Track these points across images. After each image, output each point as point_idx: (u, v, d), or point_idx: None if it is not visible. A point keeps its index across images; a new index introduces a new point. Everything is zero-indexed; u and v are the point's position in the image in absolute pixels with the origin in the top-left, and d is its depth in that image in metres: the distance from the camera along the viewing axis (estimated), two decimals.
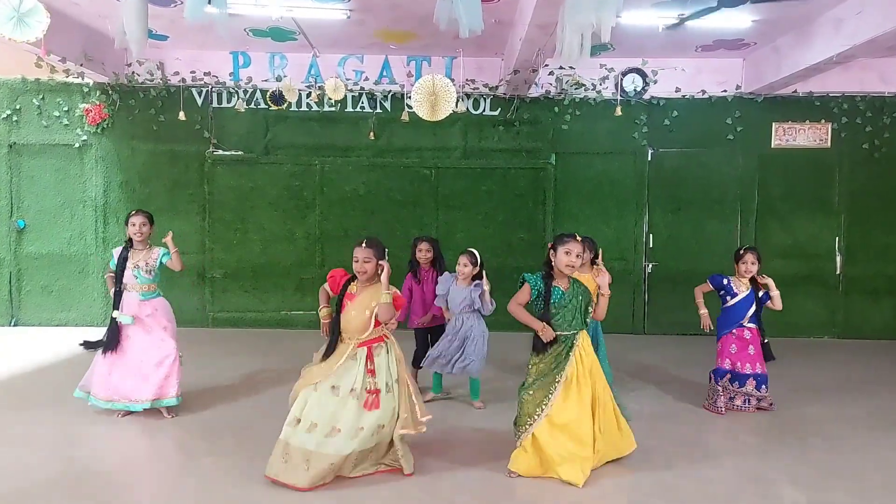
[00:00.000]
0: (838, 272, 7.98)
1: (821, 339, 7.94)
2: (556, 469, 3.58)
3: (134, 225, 4.58)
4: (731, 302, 4.90)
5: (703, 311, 4.98)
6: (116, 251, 4.64)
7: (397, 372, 3.67)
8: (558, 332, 3.60)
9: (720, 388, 4.89)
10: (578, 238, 3.64)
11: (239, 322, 8.08)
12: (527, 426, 3.62)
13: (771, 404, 4.96)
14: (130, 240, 4.63)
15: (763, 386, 4.87)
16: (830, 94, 7.83)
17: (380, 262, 3.64)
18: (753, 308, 4.86)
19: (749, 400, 4.89)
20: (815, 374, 6.21)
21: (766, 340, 4.92)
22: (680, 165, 8.04)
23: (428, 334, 5.26)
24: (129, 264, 4.58)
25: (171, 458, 4.02)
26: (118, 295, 4.58)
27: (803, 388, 5.65)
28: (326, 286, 3.85)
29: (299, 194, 8.05)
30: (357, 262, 3.65)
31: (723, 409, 4.88)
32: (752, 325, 4.90)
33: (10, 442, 4.15)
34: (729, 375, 4.90)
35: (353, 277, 3.73)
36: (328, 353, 3.63)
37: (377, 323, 3.62)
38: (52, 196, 7.91)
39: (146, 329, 4.58)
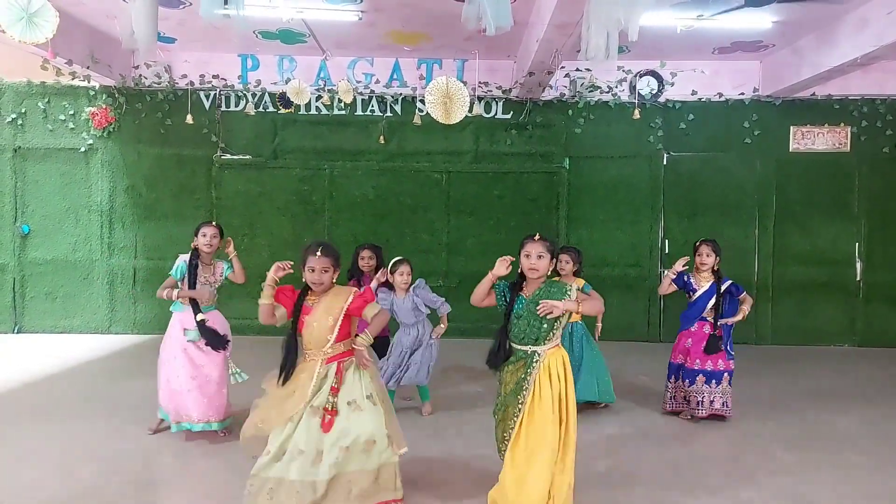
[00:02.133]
0: (858, 279, 7.82)
1: (840, 347, 7.77)
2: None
3: (205, 236, 4.30)
4: (693, 297, 4.83)
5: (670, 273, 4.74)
6: (182, 257, 4.33)
7: (372, 386, 3.27)
8: (515, 347, 3.18)
9: (670, 386, 4.88)
10: (537, 237, 3.19)
11: (246, 330, 7.86)
12: (501, 452, 3.24)
13: (727, 408, 4.72)
14: (196, 250, 4.33)
15: (714, 381, 4.68)
16: (850, 97, 7.69)
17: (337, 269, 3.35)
18: (713, 300, 4.72)
19: (702, 402, 4.69)
20: (838, 385, 6.03)
21: (715, 332, 4.70)
22: (696, 170, 7.88)
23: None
24: (199, 277, 4.32)
25: (179, 479, 3.86)
26: (195, 304, 4.25)
27: (830, 400, 5.48)
28: (273, 302, 3.37)
29: (308, 199, 7.91)
30: (314, 272, 3.29)
31: (669, 406, 4.89)
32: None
33: (12, 457, 3.99)
34: (680, 372, 4.82)
35: (305, 291, 3.33)
36: (286, 376, 3.21)
37: (344, 333, 3.27)
38: (57, 201, 7.77)
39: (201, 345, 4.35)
